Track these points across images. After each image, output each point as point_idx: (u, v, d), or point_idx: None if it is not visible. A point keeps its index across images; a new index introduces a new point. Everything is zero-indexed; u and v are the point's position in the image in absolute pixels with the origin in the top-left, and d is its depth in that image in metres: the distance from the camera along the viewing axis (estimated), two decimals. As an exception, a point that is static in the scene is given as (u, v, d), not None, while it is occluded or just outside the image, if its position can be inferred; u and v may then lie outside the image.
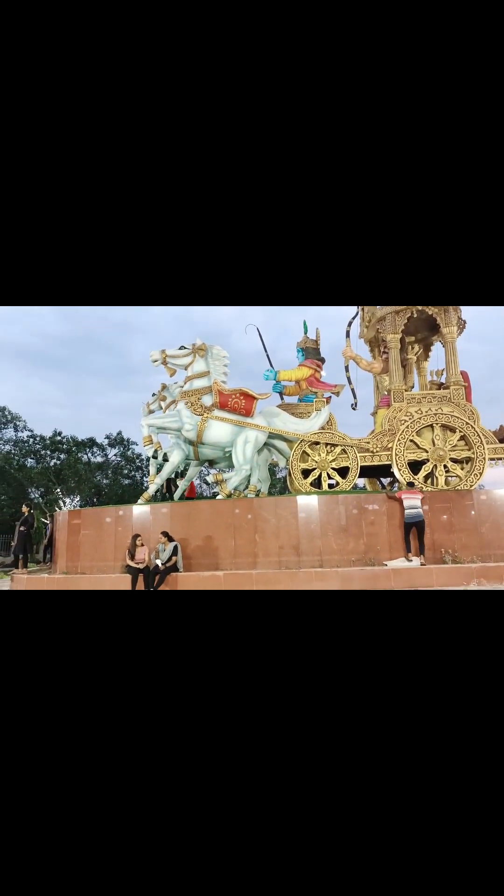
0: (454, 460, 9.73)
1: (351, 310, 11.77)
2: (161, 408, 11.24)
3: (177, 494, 11.32)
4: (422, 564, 8.18)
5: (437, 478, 9.66)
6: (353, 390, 11.02)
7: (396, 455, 9.70)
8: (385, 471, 10.83)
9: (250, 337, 11.60)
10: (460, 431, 9.63)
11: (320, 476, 9.93)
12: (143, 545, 8.49)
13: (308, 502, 8.94)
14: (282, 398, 11.31)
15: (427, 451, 9.72)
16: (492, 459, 9.68)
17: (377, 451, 9.89)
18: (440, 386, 10.93)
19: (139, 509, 9.45)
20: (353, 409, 11.21)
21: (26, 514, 11.31)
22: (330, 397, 10.79)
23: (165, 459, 10.54)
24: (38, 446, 27.73)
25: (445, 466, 9.68)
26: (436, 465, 9.67)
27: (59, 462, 27.31)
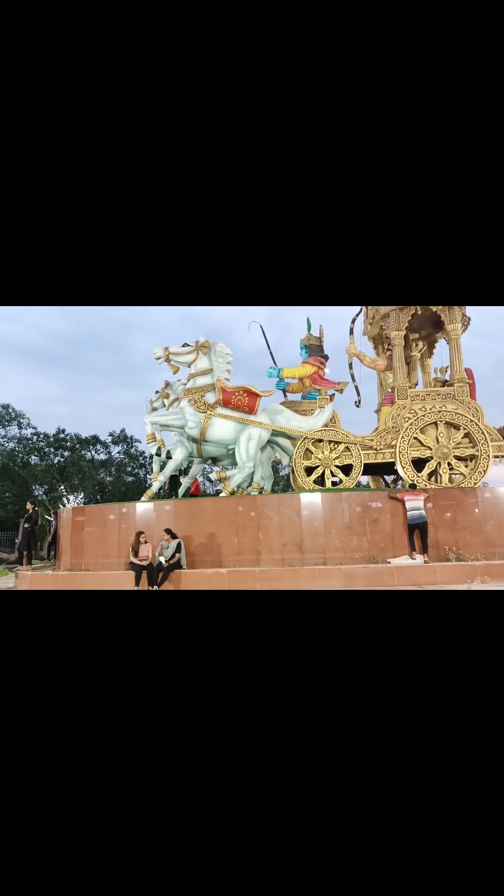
0: (458, 458, 9.70)
1: (355, 307, 11.74)
2: (164, 405, 11.25)
3: (181, 491, 11.33)
4: (425, 562, 8.17)
5: (440, 475, 9.63)
6: (356, 387, 11.01)
7: (400, 452, 9.68)
8: (389, 468, 10.81)
9: (253, 334, 11.57)
10: (464, 429, 9.59)
11: (323, 473, 9.92)
12: (146, 542, 8.50)
13: (311, 500, 8.93)
14: (285, 395, 11.30)
15: (431, 449, 9.69)
16: (496, 457, 9.64)
17: (381, 449, 9.87)
18: (444, 383, 10.89)
19: (142, 506, 9.46)
20: (357, 406, 11.20)
21: (30, 511, 11.35)
22: (333, 395, 10.77)
23: (169, 457, 10.55)
24: (41, 444, 27.82)
25: (449, 464, 9.64)
26: (440, 463, 9.64)
27: (62, 459, 27.40)
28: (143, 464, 29.08)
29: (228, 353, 10.34)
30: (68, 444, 28.12)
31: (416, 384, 12.00)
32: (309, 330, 11.39)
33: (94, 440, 29.03)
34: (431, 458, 9.69)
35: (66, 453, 27.77)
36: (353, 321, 11.31)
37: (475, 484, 9.41)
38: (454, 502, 8.82)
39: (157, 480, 10.14)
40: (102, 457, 29.21)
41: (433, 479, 9.72)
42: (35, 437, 27.93)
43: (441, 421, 9.70)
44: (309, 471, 9.99)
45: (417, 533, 8.44)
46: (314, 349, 11.14)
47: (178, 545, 8.44)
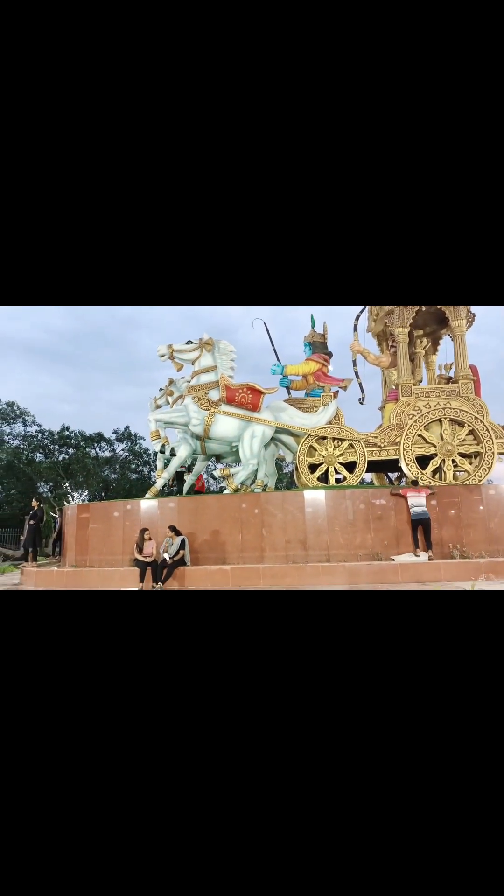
0: (462, 455, 9.67)
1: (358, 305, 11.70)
2: (168, 403, 11.28)
3: (185, 488, 11.36)
4: (430, 559, 8.16)
5: (445, 472, 9.61)
6: (360, 385, 10.98)
7: (404, 449, 9.66)
8: (393, 465, 10.79)
9: (257, 331, 11.59)
10: (469, 426, 9.56)
11: (327, 471, 9.92)
12: (150, 539, 8.54)
13: (315, 497, 8.94)
14: (289, 393, 11.28)
15: (435, 446, 9.66)
16: (501, 454, 9.61)
17: (385, 446, 9.86)
18: (449, 380, 10.85)
19: (147, 503, 9.50)
20: (361, 403, 11.17)
21: (36, 508, 11.44)
22: (337, 392, 10.75)
23: (173, 454, 10.58)
24: (46, 441, 27.95)
25: (454, 461, 9.62)
26: (444, 460, 9.62)
27: (67, 457, 27.53)
28: (147, 461, 29.16)
29: (232, 351, 10.35)
30: (73, 441, 28.23)
31: (421, 381, 11.96)
32: (313, 327, 11.37)
33: (99, 437, 29.13)
34: (436, 455, 9.66)
35: (70, 450, 27.89)
36: (357, 318, 11.28)
37: (480, 481, 9.39)
38: (458, 499, 8.80)
39: (161, 477, 10.17)
40: (107, 454, 29.32)
41: (437, 476, 9.70)
42: (40, 435, 28.08)
43: (445, 418, 9.68)
44: (313, 468, 9.99)
45: (421, 530, 8.43)
46: (318, 346, 11.12)
47: (183, 542, 8.48)
